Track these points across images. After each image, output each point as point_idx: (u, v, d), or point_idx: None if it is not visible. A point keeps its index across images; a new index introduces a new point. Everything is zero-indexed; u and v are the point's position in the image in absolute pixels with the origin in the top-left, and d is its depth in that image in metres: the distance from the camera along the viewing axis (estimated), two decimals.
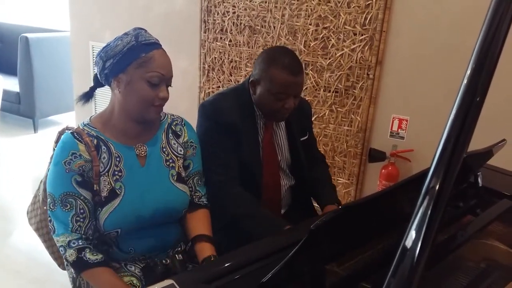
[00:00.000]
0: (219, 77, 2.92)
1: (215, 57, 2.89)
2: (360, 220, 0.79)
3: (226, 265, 0.87)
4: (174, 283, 0.76)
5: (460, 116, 0.48)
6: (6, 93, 3.97)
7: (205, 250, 1.26)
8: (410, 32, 2.33)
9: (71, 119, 4.10)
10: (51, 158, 1.31)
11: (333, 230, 0.74)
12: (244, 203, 1.44)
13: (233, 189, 1.46)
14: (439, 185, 0.51)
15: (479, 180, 1.22)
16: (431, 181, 0.51)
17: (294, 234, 0.70)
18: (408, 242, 0.52)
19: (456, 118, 0.49)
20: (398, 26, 2.35)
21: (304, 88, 2.54)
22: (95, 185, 1.20)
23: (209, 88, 2.99)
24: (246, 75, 2.77)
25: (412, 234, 0.52)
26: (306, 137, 1.69)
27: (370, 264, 0.88)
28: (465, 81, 0.47)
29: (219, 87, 2.93)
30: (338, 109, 2.58)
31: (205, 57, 2.92)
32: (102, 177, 1.21)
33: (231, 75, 2.87)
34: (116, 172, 1.23)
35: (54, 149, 1.31)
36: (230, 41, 2.80)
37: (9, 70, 4.33)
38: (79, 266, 1.15)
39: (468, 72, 0.47)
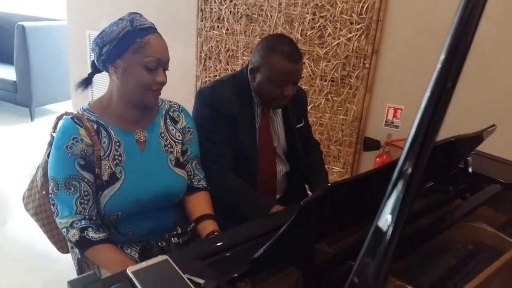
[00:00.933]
0: (216, 66, 2.93)
1: (212, 46, 2.90)
2: (350, 200, 0.81)
3: (220, 243, 0.90)
4: (168, 258, 0.78)
5: (433, 101, 0.50)
6: (2, 81, 3.97)
7: (208, 226, 1.29)
8: (406, 22, 2.34)
9: (68, 107, 4.10)
10: (49, 144, 1.33)
11: (323, 208, 0.76)
12: (238, 190, 1.47)
13: (227, 177, 1.49)
14: (411, 168, 0.52)
15: (469, 165, 1.25)
16: (404, 164, 0.53)
17: (288, 215, 0.73)
18: (381, 224, 0.54)
19: (429, 103, 0.51)
20: (394, 16, 2.36)
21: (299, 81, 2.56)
22: (96, 169, 1.22)
23: (205, 77, 3.00)
24: (243, 64, 2.78)
25: (385, 216, 0.53)
26: (302, 124, 1.71)
27: (361, 244, 0.91)
28: (438, 67, 0.49)
29: (216, 76, 2.94)
30: (334, 98, 2.60)
31: (202, 46, 2.93)
32: (103, 161, 1.23)
33: (228, 64, 2.88)
34: (116, 157, 1.25)
35: (51, 135, 1.33)
36: (227, 29, 2.81)
37: (6, 58, 4.33)
38: (82, 244, 1.17)
39: (442, 57, 0.49)
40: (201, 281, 0.73)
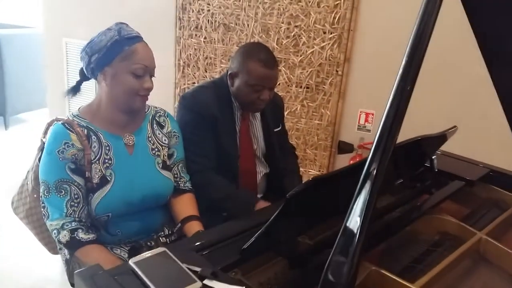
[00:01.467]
0: (194, 73, 3.00)
1: (190, 54, 2.97)
2: (328, 194, 0.91)
3: (212, 237, 0.97)
4: (166, 250, 0.85)
5: (394, 103, 0.60)
6: None
7: (194, 227, 1.36)
8: (375, 31, 2.49)
9: (43, 116, 4.07)
10: (39, 149, 1.37)
11: (305, 201, 0.85)
12: (222, 188, 1.55)
13: (211, 176, 1.56)
14: (376, 168, 0.61)
15: (435, 163, 1.37)
16: (370, 165, 0.62)
17: (272, 212, 0.81)
18: (351, 224, 0.63)
19: (391, 105, 0.60)
20: (365, 26, 2.50)
21: (277, 84, 2.66)
22: (87, 172, 1.27)
23: (184, 84, 3.06)
24: (221, 71, 2.87)
25: (355, 217, 0.62)
26: (279, 128, 1.81)
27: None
28: (399, 72, 0.59)
29: (194, 83, 3.01)
30: (309, 104, 2.71)
31: (180, 54, 3.00)
32: (93, 164, 1.28)
33: (206, 71, 2.96)
34: (106, 160, 1.31)
35: (41, 140, 1.37)
36: (205, 38, 2.89)
37: None
38: (72, 245, 1.22)
39: (403, 63, 0.59)
40: (197, 269, 0.80)
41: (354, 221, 0.63)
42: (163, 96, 3.12)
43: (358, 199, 0.63)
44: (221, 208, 1.53)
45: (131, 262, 0.80)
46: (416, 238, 1.20)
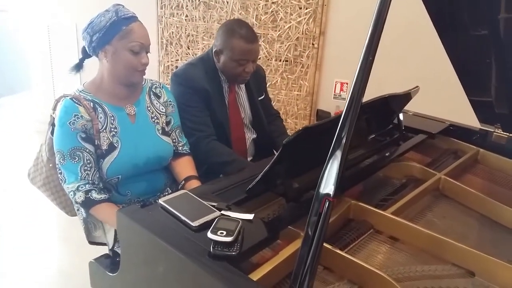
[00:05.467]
0: (177, 50, 3.13)
1: (172, 32, 3.09)
2: (315, 143, 1.10)
3: (222, 182, 1.17)
4: (187, 191, 1.04)
5: (360, 72, 0.78)
6: None
7: (195, 185, 1.54)
8: (347, 5, 2.68)
9: (28, 98, 4.10)
10: (50, 124, 1.51)
11: (299, 149, 1.05)
12: (225, 153, 1.72)
13: (214, 142, 1.73)
14: (346, 133, 0.77)
15: (401, 120, 1.59)
16: (341, 131, 0.78)
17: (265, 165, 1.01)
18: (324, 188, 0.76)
19: (358, 74, 0.79)
20: (337, 0, 2.68)
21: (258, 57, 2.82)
22: (96, 140, 1.43)
23: (168, 61, 3.19)
24: (203, 48, 3.01)
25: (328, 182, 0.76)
26: (263, 96, 1.99)
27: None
28: (365, 45, 0.78)
29: (177, 60, 3.14)
30: (288, 76, 2.90)
31: (163, 32, 3.11)
32: (101, 133, 1.44)
33: (189, 49, 3.09)
34: (112, 129, 1.47)
35: (51, 116, 1.51)
36: (186, 16, 3.01)
37: None
38: (87, 204, 1.39)
39: (367, 39, 0.78)
40: (214, 204, 0.99)
41: (328, 187, 0.75)
42: (147, 73, 3.22)
43: (330, 163, 0.76)
44: (220, 171, 1.70)
45: (160, 201, 0.98)
46: (387, 181, 1.43)
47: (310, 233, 0.74)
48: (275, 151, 2.04)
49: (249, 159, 1.97)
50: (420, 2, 1.20)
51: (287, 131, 3.02)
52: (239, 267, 0.83)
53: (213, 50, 1.76)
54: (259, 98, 1.96)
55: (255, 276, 0.85)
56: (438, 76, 2.52)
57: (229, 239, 0.84)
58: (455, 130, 1.73)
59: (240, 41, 1.66)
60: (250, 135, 1.95)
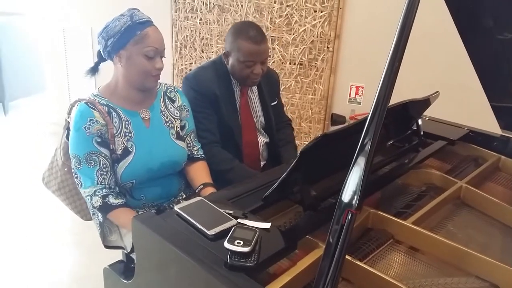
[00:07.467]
0: (191, 54, 3.12)
1: (186, 35, 3.09)
2: (334, 150, 1.07)
3: (238, 188, 1.15)
4: (203, 198, 1.02)
5: (386, 78, 0.76)
6: None
7: (209, 192, 1.52)
8: (363, 9, 2.64)
9: (43, 101, 4.15)
10: (65, 128, 1.51)
11: (317, 156, 1.02)
12: (224, 161, 1.71)
13: (215, 150, 1.72)
14: (371, 140, 0.74)
15: (420, 125, 1.55)
16: (365, 138, 0.75)
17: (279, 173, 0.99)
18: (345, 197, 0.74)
19: (384, 80, 0.76)
20: (353, 3, 2.65)
21: (271, 62, 2.81)
22: (111, 145, 1.42)
23: (182, 64, 3.19)
24: (217, 52, 3.00)
25: (348, 190, 0.74)
26: (276, 102, 1.97)
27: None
28: (391, 50, 0.75)
29: (191, 63, 3.14)
30: (302, 79, 2.88)
31: (177, 35, 3.11)
32: (116, 138, 1.43)
33: (203, 52, 3.09)
34: (127, 133, 1.46)
35: (66, 120, 1.51)
36: (201, 19, 3.01)
37: None
38: (104, 209, 1.38)
39: (392, 45, 0.75)
40: (230, 211, 0.97)
41: (350, 197, 0.71)
42: (162, 77, 3.23)
43: (352, 171, 0.73)
44: (224, 179, 1.68)
45: (176, 208, 0.97)
46: (406, 189, 1.39)
47: (331, 241, 0.72)
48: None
49: (262, 163, 1.95)
50: (442, 6, 1.16)
51: (301, 135, 3.02)
52: (256, 278, 0.81)
53: (223, 52, 1.75)
54: (272, 104, 1.94)
55: (273, 287, 0.83)
56: (457, 81, 2.48)
57: (246, 249, 0.82)
58: (475, 137, 1.68)
59: (246, 42, 1.64)
60: (262, 139, 1.93)
